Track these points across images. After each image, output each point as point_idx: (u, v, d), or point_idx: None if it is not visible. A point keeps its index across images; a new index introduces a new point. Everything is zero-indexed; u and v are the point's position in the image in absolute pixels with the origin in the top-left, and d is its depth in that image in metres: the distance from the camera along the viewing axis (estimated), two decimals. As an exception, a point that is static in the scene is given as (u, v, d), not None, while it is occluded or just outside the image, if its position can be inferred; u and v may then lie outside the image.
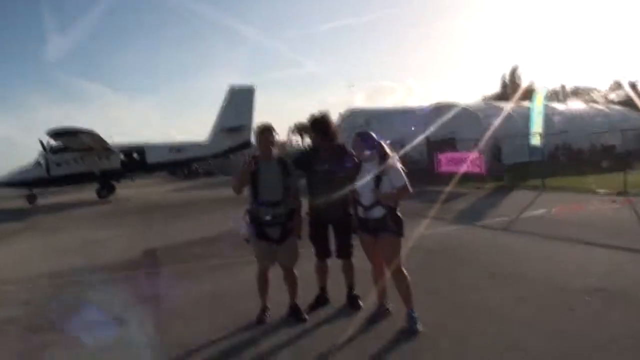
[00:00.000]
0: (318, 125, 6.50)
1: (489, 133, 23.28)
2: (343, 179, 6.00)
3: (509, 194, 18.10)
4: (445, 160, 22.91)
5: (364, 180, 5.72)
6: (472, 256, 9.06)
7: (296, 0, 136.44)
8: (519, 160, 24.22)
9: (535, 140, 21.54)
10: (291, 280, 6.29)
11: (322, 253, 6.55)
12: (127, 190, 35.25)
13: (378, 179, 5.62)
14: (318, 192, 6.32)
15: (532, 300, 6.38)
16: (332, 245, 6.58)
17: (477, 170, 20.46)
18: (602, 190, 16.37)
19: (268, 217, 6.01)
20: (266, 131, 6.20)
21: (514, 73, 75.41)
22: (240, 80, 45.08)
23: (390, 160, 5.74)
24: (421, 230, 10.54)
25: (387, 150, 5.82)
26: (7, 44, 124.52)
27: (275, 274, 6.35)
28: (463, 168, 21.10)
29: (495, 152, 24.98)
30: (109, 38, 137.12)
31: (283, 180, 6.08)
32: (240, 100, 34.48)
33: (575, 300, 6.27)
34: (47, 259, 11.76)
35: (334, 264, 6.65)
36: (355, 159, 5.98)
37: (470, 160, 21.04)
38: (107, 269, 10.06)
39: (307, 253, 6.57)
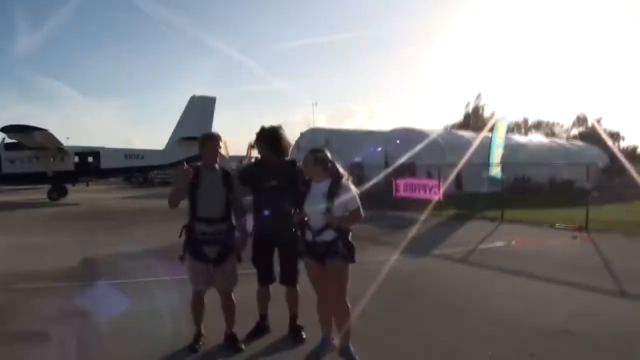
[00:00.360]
0: (267, 138, 5.98)
1: (452, 160, 23.10)
2: (291, 197, 5.50)
3: (466, 223, 17.78)
4: (403, 185, 22.62)
5: (314, 201, 5.19)
6: (427, 288, 8.60)
7: (266, 16, 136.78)
8: (477, 190, 24.15)
9: (495, 171, 21.42)
10: (228, 306, 5.69)
11: (265, 278, 5.99)
12: (79, 194, 34.52)
13: (330, 201, 5.10)
14: (266, 210, 5.79)
15: (489, 341, 5.93)
16: (277, 270, 6.02)
17: (435, 197, 20.15)
18: (561, 225, 16.16)
19: (205, 234, 5.46)
20: (211, 138, 5.72)
21: (477, 103, 76.12)
22: (207, 92, 45.19)
23: (343, 181, 5.24)
24: (374, 258, 10.12)
25: (341, 170, 5.32)
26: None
27: (212, 297, 5.77)
28: (421, 194, 20.87)
29: (457, 180, 24.89)
30: (79, 39, 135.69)
31: (225, 194, 5.54)
32: (200, 110, 34.24)
33: (537, 343, 5.84)
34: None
35: (277, 290, 6.10)
36: (306, 177, 5.49)
37: (429, 187, 20.82)
38: (39, 278, 9.45)
39: (247, 276, 6.02)
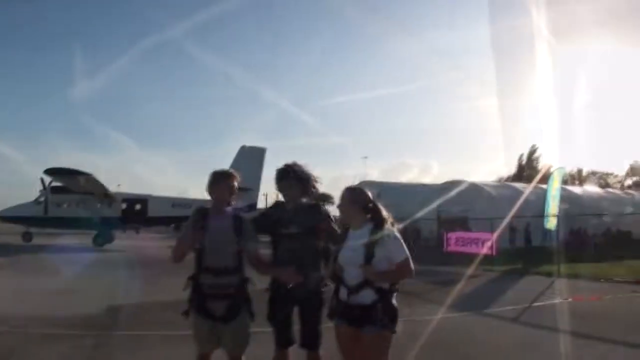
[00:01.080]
0: (287, 174, 5.10)
1: (506, 214, 22.40)
2: (315, 246, 4.71)
3: (521, 279, 16.99)
4: (455, 239, 21.82)
5: (351, 252, 4.32)
6: (479, 352, 7.82)
7: (323, 70, 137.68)
8: (533, 243, 23.58)
9: (550, 224, 20.60)
10: (238, 372, 4.79)
11: (283, 339, 5.07)
12: (127, 241, 34.47)
13: (370, 251, 4.21)
14: (282, 262, 4.90)
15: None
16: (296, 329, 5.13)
17: (488, 251, 19.33)
18: (620, 279, 15.44)
19: (212, 287, 4.61)
20: (223, 176, 4.81)
21: (531, 155, 75.54)
22: (261, 144, 45.21)
23: (387, 227, 4.33)
24: (421, 316, 9.40)
25: (385, 214, 4.42)
26: (35, 82, 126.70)
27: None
28: (473, 248, 20.11)
29: (510, 234, 24.37)
30: (136, 89, 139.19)
31: (237, 241, 4.66)
32: (250, 161, 34.13)
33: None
34: (4, 303, 11.01)
35: (297, 354, 5.18)
36: (337, 223, 4.70)
37: (481, 241, 20.03)
38: (55, 323, 9.17)
39: (262, 336, 5.20)
